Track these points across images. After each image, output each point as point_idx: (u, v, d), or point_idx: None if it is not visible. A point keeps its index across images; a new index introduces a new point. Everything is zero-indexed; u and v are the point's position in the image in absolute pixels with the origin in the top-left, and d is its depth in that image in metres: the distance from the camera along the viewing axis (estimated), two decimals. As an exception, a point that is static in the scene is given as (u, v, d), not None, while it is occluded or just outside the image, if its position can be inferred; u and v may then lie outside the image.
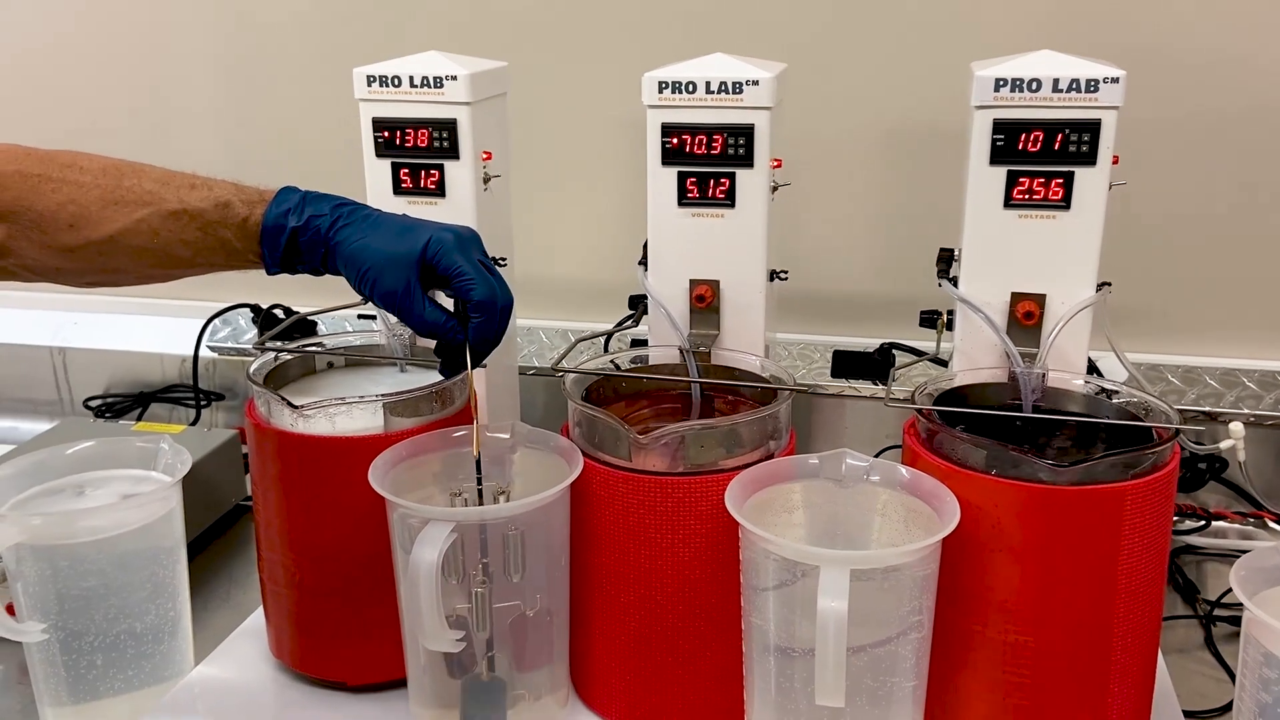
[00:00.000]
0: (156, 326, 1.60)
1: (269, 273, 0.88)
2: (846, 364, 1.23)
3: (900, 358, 1.20)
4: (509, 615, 0.86)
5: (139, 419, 1.55)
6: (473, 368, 0.86)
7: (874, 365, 1.21)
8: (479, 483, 0.87)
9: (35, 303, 1.64)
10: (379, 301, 0.85)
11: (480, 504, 0.87)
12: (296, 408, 0.91)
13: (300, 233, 0.85)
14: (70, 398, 1.62)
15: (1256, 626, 0.73)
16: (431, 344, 0.89)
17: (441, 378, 0.93)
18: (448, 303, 0.87)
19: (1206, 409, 1.27)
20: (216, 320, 1.49)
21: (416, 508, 0.82)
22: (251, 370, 0.99)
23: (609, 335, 1.17)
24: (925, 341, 1.06)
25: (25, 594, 0.89)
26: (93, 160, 0.86)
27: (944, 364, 1.01)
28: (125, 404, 1.57)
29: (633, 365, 1.03)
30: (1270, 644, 0.72)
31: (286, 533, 0.96)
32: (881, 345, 1.23)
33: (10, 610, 0.89)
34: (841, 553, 0.76)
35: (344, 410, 0.92)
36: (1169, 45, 1.23)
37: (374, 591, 0.93)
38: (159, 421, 1.53)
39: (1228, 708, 0.95)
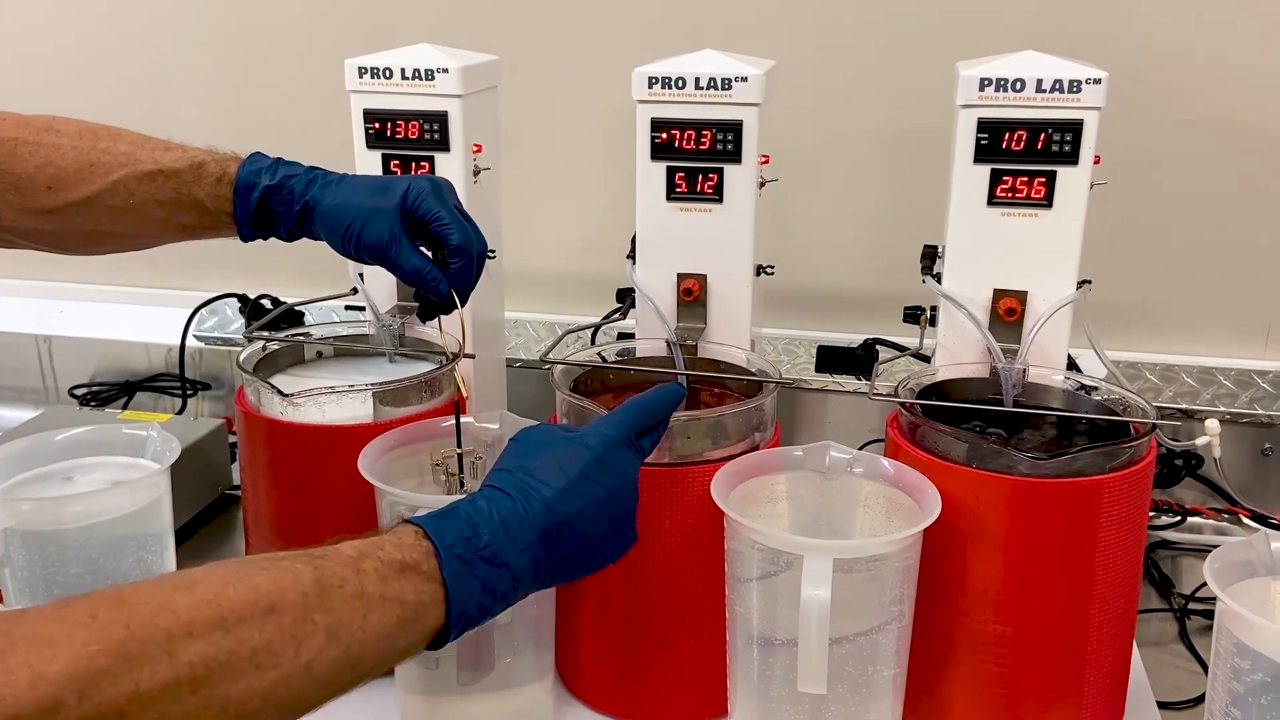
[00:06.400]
0: (143, 316, 1.59)
1: (241, 235, 0.89)
2: (830, 359, 1.24)
3: (883, 353, 1.21)
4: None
5: (124, 407, 1.55)
6: (453, 311, 0.87)
7: (857, 360, 1.22)
8: (459, 444, 0.87)
9: (22, 290, 1.63)
10: (365, 253, 0.86)
11: (460, 469, 0.88)
12: (287, 396, 0.92)
13: (274, 191, 0.87)
14: (55, 385, 1.61)
15: (1229, 617, 0.75)
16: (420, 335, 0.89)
17: (434, 366, 0.95)
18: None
19: (1183, 406, 1.29)
20: (203, 310, 1.49)
21: (406, 495, 0.82)
22: (241, 358, 1.00)
23: (596, 328, 1.18)
24: (909, 337, 1.08)
25: (14, 579, 0.90)
26: (69, 124, 0.87)
27: (926, 360, 1.02)
28: (110, 392, 1.57)
29: (619, 357, 1.04)
30: (1242, 634, 0.73)
31: (275, 520, 0.96)
32: (865, 340, 1.24)
33: (-2, 595, 0.90)
34: (824, 542, 0.77)
35: (334, 399, 0.93)
36: (1151, 47, 1.25)
37: (362, 579, 0.93)
38: (144, 410, 1.53)
39: (1201, 699, 0.96)
